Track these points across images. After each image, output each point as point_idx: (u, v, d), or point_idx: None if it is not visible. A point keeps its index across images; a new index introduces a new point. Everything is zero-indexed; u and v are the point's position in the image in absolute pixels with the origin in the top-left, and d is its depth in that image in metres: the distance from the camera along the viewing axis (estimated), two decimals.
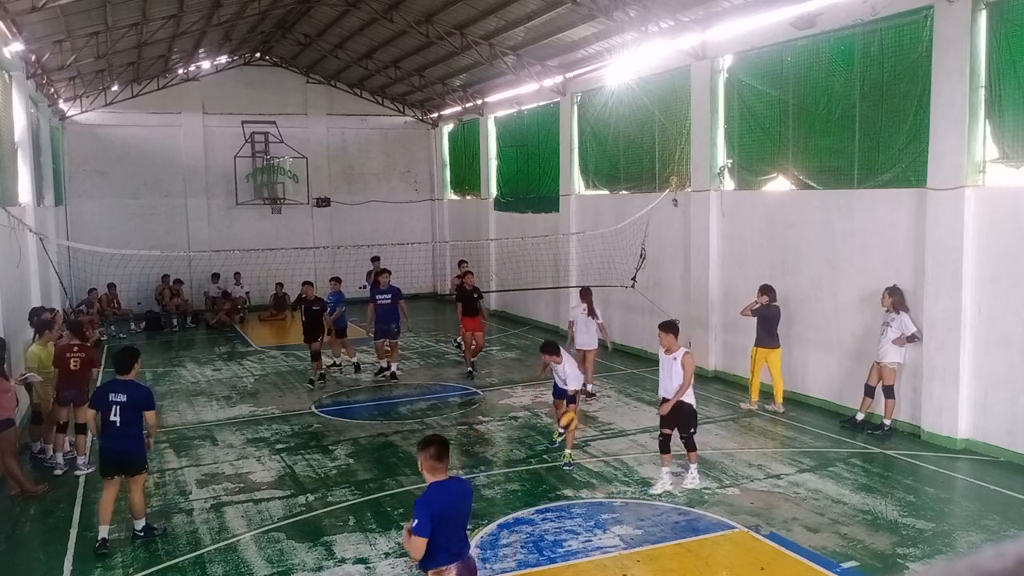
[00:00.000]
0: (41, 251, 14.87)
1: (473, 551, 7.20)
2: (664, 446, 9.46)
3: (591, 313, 13.62)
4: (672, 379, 9.30)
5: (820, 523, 8.37)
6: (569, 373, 10.38)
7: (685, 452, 9.53)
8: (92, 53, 17.24)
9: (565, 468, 10.27)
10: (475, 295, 15.81)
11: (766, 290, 12.62)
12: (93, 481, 10.24)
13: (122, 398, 8.06)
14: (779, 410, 12.58)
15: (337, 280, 17.46)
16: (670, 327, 9.55)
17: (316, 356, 15.32)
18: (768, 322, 12.57)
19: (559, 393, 10.86)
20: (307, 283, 15.80)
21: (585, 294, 13.95)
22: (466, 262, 18.59)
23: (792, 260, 13.28)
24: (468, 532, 8.28)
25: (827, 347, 12.74)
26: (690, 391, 9.31)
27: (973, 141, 10.32)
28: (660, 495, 9.18)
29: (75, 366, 10.41)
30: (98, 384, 9.17)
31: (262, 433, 12.29)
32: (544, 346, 10.75)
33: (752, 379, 12.92)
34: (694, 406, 9.44)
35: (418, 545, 5.24)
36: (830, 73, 12.35)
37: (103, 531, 8.10)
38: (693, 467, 9.53)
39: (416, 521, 5.24)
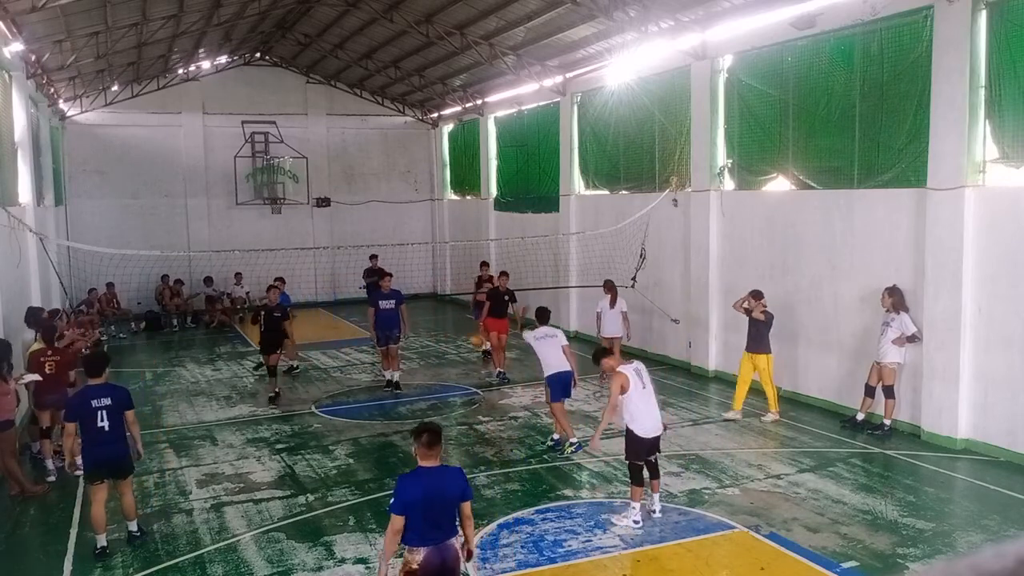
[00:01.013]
0: (41, 251, 14.87)
1: (477, 550, 7.24)
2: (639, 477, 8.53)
3: (613, 304, 14.80)
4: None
5: (820, 523, 8.37)
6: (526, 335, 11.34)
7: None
8: (92, 53, 17.24)
9: (572, 452, 10.70)
10: (506, 297, 15.59)
11: (759, 295, 12.26)
12: None
13: (107, 402, 7.93)
14: (776, 418, 12.16)
15: (282, 281, 17.24)
16: (596, 356, 9.14)
17: (274, 372, 14.29)
18: (769, 326, 12.16)
19: (556, 396, 10.92)
20: (273, 287, 15.01)
21: (609, 287, 14.92)
22: (487, 264, 18.62)
23: (792, 260, 13.28)
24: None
25: (827, 347, 12.74)
26: (629, 414, 8.31)
27: (973, 141, 10.32)
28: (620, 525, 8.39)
29: (51, 370, 10.35)
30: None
31: (262, 433, 12.29)
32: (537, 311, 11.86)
33: (742, 386, 12.32)
34: (630, 430, 8.36)
35: (393, 523, 5.53)
36: (830, 73, 12.35)
37: (101, 540, 8.04)
38: (633, 506, 8.42)
39: (392, 500, 5.58)
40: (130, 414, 8.15)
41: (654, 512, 8.50)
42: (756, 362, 12.15)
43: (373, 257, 21.74)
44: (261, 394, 14.70)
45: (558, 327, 12.28)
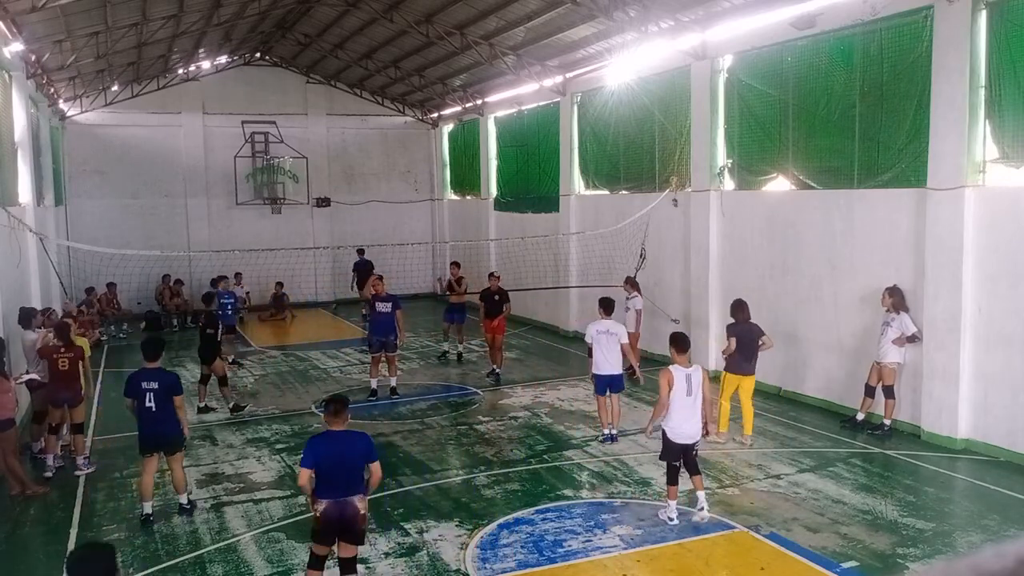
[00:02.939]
0: (41, 251, 14.86)
1: (477, 550, 7.34)
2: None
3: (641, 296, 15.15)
4: None
5: (820, 523, 8.37)
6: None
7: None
8: (92, 53, 17.24)
9: (601, 441, 11.16)
10: (496, 297, 15.59)
11: (740, 307, 11.12)
12: (93, 481, 10.26)
13: (154, 385, 8.69)
14: (748, 443, 10.98)
15: (224, 279, 18.04)
16: (677, 340, 8.75)
17: (225, 380, 13.62)
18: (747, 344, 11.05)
19: (600, 391, 11.27)
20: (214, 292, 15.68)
21: (634, 283, 15.12)
22: (458, 264, 18.51)
23: (792, 260, 13.28)
24: (473, 528, 8.31)
25: (827, 347, 12.73)
26: (666, 414, 8.39)
27: (973, 141, 10.32)
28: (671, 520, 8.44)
29: (64, 366, 10.35)
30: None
31: (262, 433, 12.29)
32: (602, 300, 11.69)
33: (725, 407, 11.22)
34: (663, 430, 8.45)
35: (300, 475, 6.52)
36: (830, 73, 12.35)
37: (147, 507, 8.82)
38: (669, 504, 8.49)
39: (301, 455, 6.59)
40: (177, 399, 8.87)
41: (701, 510, 8.37)
42: (735, 381, 11.11)
43: (360, 251, 22.91)
44: (261, 394, 14.70)
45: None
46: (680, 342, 8.61)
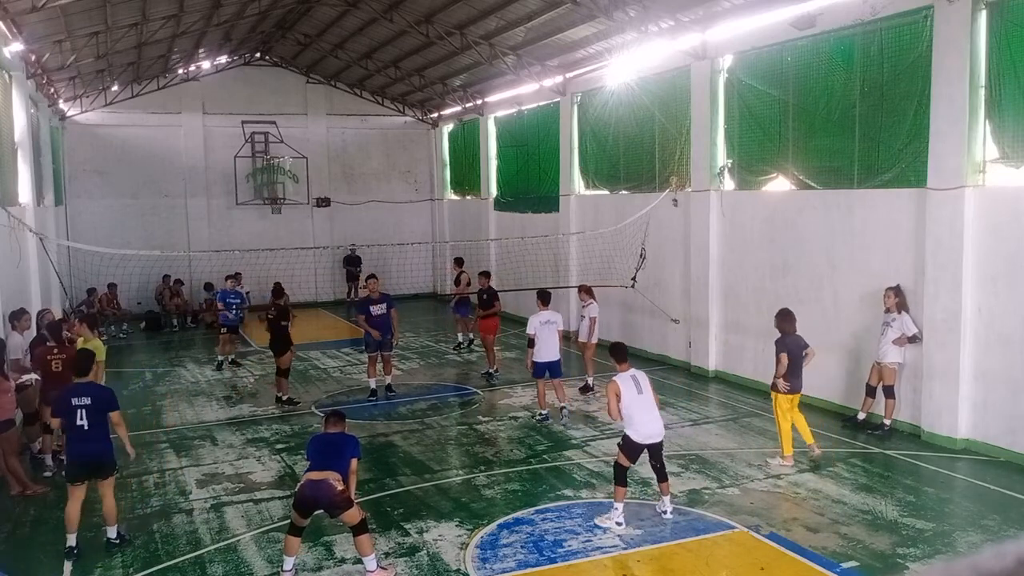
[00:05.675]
0: (41, 251, 14.85)
1: (477, 550, 7.32)
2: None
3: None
4: None
5: (820, 523, 8.37)
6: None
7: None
8: (92, 53, 17.24)
9: (538, 421, 12.03)
10: (484, 296, 15.77)
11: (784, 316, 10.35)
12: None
13: (86, 401, 7.91)
14: (816, 451, 10.18)
15: (233, 277, 18.54)
16: (612, 351, 9.00)
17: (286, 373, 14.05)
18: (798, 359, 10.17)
19: (539, 374, 12.26)
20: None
21: (589, 290, 14.38)
22: (462, 260, 18.88)
23: (792, 260, 13.27)
24: (473, 528, 8.31)
25: (827, 347, 12.69)
26: (625, 419, 8.38)
27: (973, 141, 10.31)
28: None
29: (57, 368, 10.34)
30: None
31: (262, 433, 12.29)
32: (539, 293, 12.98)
33: (786, 428, 10.18)
34: (626, 434, 8.44)
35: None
36: (830, 73, 12.35)
37: (70, 539, 7.92)
38: (616, 507, 8.45)
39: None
40: (115, 415, 8.11)
41: (665, 513, 8.48)
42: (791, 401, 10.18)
43: (352, 248, 23.81)
44: (261, 394, 14.70)
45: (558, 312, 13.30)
46: (620, 352, 8.86)
